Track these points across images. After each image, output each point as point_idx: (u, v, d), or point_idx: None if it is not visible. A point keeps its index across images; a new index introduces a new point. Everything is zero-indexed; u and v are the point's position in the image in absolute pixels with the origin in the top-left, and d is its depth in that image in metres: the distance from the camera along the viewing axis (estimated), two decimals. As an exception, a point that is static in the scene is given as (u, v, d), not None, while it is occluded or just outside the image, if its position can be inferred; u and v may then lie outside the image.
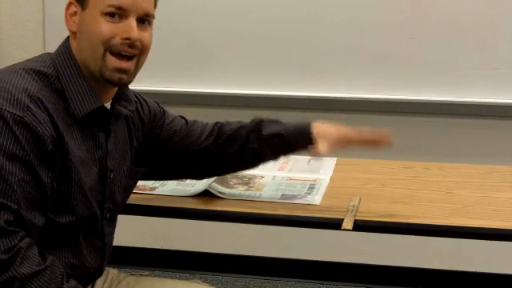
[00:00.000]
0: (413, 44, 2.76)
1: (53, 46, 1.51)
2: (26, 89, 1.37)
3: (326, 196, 1.84)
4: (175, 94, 2.92)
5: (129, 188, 1.64)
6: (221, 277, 3.12)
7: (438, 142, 2.86)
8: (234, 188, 1.89)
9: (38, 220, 1.37)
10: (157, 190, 1.87)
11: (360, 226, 1.66)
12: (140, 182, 1.83)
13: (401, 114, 2.85)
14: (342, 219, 1.66)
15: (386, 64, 2.79)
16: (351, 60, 2.81)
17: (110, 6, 1.41)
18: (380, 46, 2.79)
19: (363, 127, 1.71)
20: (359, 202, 1.77)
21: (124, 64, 1.44)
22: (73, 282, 1.41)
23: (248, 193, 1.85)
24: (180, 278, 3.00)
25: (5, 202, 1.31)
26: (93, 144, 1.48)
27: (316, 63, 2.84)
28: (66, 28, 1.48)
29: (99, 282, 1.66)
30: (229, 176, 1.94)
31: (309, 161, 2.16)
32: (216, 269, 3.16)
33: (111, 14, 1.42)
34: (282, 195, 1.84)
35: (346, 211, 1.70)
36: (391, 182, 1.97)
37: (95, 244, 1.54)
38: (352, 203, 1.76)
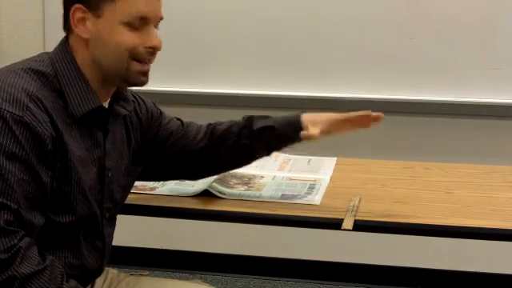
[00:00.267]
0: (413, 44, 2.76)
1: (53, 46, 1.51)
2: (25, 88, 1.37)
3: (326, 196, 1.84)
4: (175, 94, 2.92)
5: (127, 187, 1.64)
6: (221, 277, 3.12)
7: (438, 141, 2.86)
8: (234, 188, 1.89)
9: (38, 220, 1.37)
10: (157, 189, 1.87)
11: (360, 226, 1.66)
12: (140, 182, 1.84)
13: (401, 113, 2.85)
14: (342, 219, 1.66)
15: (385, 64, 2.79)
16: (351, 60, 2.81)
17: (132, 16, 1.42)
18: (380, 46, 2.79)
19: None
20: (359, 202, 1.77)
21: (146, 67, 1.48)
22: (72, 282, 1.41)
23: (248, 193, 1.85)
24: (180, 278, 3.00)
25: (4, 201, 1.31)
26: (91, 143, 1.48)
27: (316, 63, 2.84)
28: (66, 28, 1.48)
29: (99, 281, 1.66)
30: (229, 176, 1.94)
31: (309, 161, 2.16)
32: (216, 269, 3.16)
33: (132, 24, 1.43)
34: (282, 195, 1.84)
35: (346, 211, 1.70)
36: (391, 182, 1.97)
37: (95, 244, 1.54)
38: (352, 203, 1.76)
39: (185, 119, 1.79)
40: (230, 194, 1.84)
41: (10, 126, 1.33)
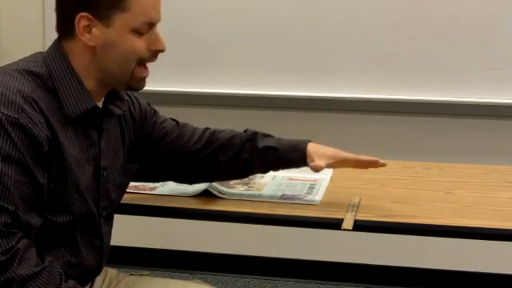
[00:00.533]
0: (413, 44, 2.76)
1: (53, 46, 1.51)
2: (20, 90, 1.37)
3: (325, 196, 1.84)
4: (175, 94, 2.92)
5: (123, 186, 1.63)
6: (221, 277, 3.12)
7: (438, 141, 2.86)
8: (234, 188, 1.89)
9: (36, 221, 1.37)
10: (157, 189, 1.87)
11: (360, 226, 1.66)
12: (140, 182, 1.84)
13: (401, 113, 2.86)
14: (342, 219, 1.66)
15: (385, 64, 2.79)
16: (351, 60, 2.81)
17: (142, 23, 1.44)
18: (380, 45, 2.79)
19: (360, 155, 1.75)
20: (359, 201, 1.77)
21: (147, 73, 1.51)
22: (71, 282, 1.41)
23: (248, 193, 1.85)
24: (180, 278, 3.00)
25: (1, 203, 1.31)
26: (86, 143, 1.48)
27: (316, 63, 2.84)
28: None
29: (98, 281, 1.66)
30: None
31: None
32: (216, 269, 3.16)
33: (140, 30, 1.44)
34: (282, 195, 1.84)
35: (346, 211, 1.70)
36: (391, 182, 1.97)
37: (93, 243, 1.54)
38: (352, 203, 1.76)
39: (183, 120, 1.79)
40: (230, 194, 1.84)
41: (5, 128, 1.33)
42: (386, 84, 2.81)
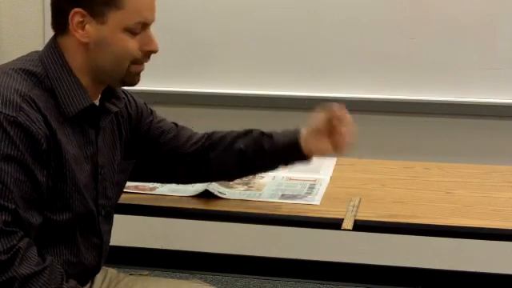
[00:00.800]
0: (413, 44, 2.76)
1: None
2: (18, 89, 1.38)
3: (325, 196, 1.84)
4: (175, 94, 2.92)
5: (120, 183, 1.63)
6: (221, 277, 3.12)
7: (438, 141, 2.86)
8: (234, 188, 1.89)
9: (36, 219, 1.37)
10: (157, 190, 1.87)
11: (360, 226, 1.66)
12: (140, 182, 1.84)
13: (401, 113, 2.86)
14: (342, 219, 1.66)
15: (385, 64, 2.79)
16: (351, 60, 2.81)
17: (136, 23, 1.44)
18: (380, 45, 2.79)
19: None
20: (359, 202, 1.77)
21: (143, 67, 1.50)
22: (72, 282, 1.41)
23: (248, 193, 1.85)
24: (180, 278, 3.00)
25: (2, 202, 1.31)
26: (84, 141, 1.48)
27: (316, 63, 2.84)
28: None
29: (98, 281, 1.66)
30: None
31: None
32: (216, 269, 3.16)
33: (134, 30, 1.44)
34: (282, 195, 1.84)
35: (346, 211, 1.70)
36: (391, 182, 1.97)
37: (92, 241, 1.54)
38: (352, 203, 1.76)
39: (183, 120, 1.78)
40: (230, 194, 1.84)
41: (4, 127, 1.33)
42: (386, 84, 2.81)
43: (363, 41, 2.79)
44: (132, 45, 1.45)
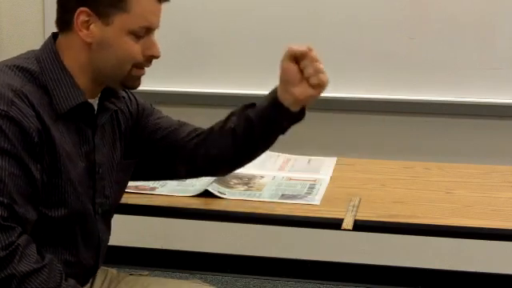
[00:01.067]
0: (413, 44, 2.76)
1: (53, 46, 1.51)
2: (10, 84, 1.38)
3: (325, 196, 1.84)
4: (175, 94, 2.92)
5: (120, 183, 1.62)
6: (221, 277, 3.12)
7: (438, 141, 2.86)
8: (234, 188, 1.89)
9: (31, 214, 1.37)
10: (157, 190, 1.87)
11: (360, 226, 1.66)
12: (140, 182, 1.83)
13: (401, 113, 2.86)
14: (342, 219, 1.66)
15: (386, 64, 2.79)
16: (351, 60, 2.81)
17: (141, 27, 1.44)
18: (380, 45, 2.79)
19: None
20: (359, 202, 1.77)
21: (144, 71, 1.51)
22: (71, 281, 1.41)
23: (248, 193, 1.85)
24: (180, 278, 3.00)
25: None
26: (79, 139, 1.48)
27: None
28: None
29: (98, 281, 1.66)
30: (229, 176, 1.93)
31: (309, 161, 2.17)
32: (216, 269, 3.16)
33: (138, 33, 1.45)
34: (282, 195, 1.84)
35: (346, 211, 1.70)
36: (391, 182, 1.97)
37: (90, 240, 1.54)
38: (352, 203, 1.75)
39: (184, 120, 1.77)
40: (230, 194, 1.84)
41: None
42: (386, 84, 2.81)
43: (363, 40, 2.79)
44: (135, 48, 1.45)
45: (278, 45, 2.98)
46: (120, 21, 1.43)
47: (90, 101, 1.50)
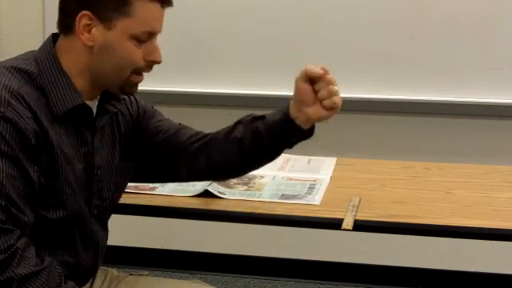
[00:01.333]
0: (413, 44, 2.76)
1: (53, 46, 1.51)
2: (6, 85, 1.38)
3: (325, 196, 1.84)
4: (175, 94, 2.92)
5: (119, 185, 1.62)
6: (221, 277, 3.12)
7: (438, 141, 2.86)
8: (234, 188, 1.89)
9: (29, 216, 1.36)
10: (157, 190, 1.87)
11: (360, 226, 1.66)
12: (142, 183, 1.83)
13: (401, 113, 2.85)
14: (342, 219, 1.66)
15: (385, 64, 2.79)
16: (351, 60, 2.81)
17: (143, 32, 1.43)
18: (380, 45, 2.79)
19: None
20: (359, 202, 1.77)
21: (142, 78, 1.50)
22: (70, 283, 1.41)
23: (248, 193, 1.85)
24: (180, 278, 3.00)
25: None
26: (77, 141, 1.48)
27: (316, 63, 2.82)
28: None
29: (98, 281, 1.66)
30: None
31: (309, 161, 2.17)
32: (216, 269, 3.16)
33: (140, 38, 1.44)
34: (282, 195, 1.84)
35: (346, 211, 1.70)
36: (391, 182, 1.97)
37: (89, 241, 1.54)
38: (352, 203, 1.76)
39: (183, 119, 1.77)
40: (230, 194, 1.84)
41: None
42: (386, 84, 2.81)
43: (363, 41, 2.79)
44: (136, 53, 1.45)
45: (278, 45, 3.01)
46: (122, 25, 1.42)
47: (90, 103, 1.49)
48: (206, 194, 1.82)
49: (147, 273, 1.79)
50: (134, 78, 1.48)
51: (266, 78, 2.89)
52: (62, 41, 1.47)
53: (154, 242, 3.20)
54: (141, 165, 1.68)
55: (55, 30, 1.50)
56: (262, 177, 1.97)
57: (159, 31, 1.48)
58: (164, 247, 3.21)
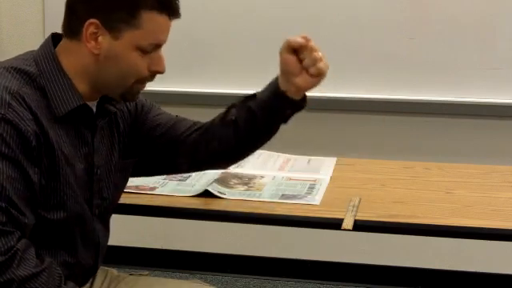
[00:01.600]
0: (413, 44, 2.76)
1: (53, 46, 1.51)
2: (7, 86, 1.37)
3: (325, 196, 1.84)
4: (175, 94, 2.92)
5: (118, 183, 1.62)
6: (221, 277, 3.12)
7: (438, 141, 2.86)
8: (234, 188, 1.89)
9: (29, 218, 1.36)
10: (157, 190, 1.87)
11: (360, 226, 1.66)
12: (140, 182, 1.83)
13: (401, 113, 2.86)
14: (342, 219, 1.66)
15: (385, 64, 2.79)
16: (351, 60, 2.81)
17: (150, 43, 1.44)
18: (380, 45, 2.79)
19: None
20: (359, 202, 1.77)
21: (144, 86, 1.51)
22: (70, 284, 1.41)
23: (248, 193, 1.85)
24: (180, 278, 3.00)
25: None
26: (78, 141, 1.48)
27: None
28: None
29: (98, 281, 1.66)
30: (229, 176, 1.94)
31: (309, 161, 2.17)
32: (216, 269, 3.16)
33: (146, 49, 1.44)
34: (282, 195, 1.84)
35: (346, 211, 1.70)
36: (391, 182, 1.97)
37: (89, 241, 1.54)
38: (352, 203, 1.76)
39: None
40: (230, 194, 1.84)
41: None
42: (386, 84, 2.81)
43: (363, 41, 2.79)
44: (141, 63, 1.45)
45: (278, 46, 2.98)
46: (130, 36, 1.41)
47: (90, 103, 1.49)
48: (206, 193, 1.82)
49: (147, 273, 1.79)
50: (137, 86, 1.48)
51: (265, 78, 2.87)
52: (65, 43, 1.47)
53: (154, 242, 3.21)
54: (141, 159, 1.68)
55: (55, 30, 1.49)
56: (262, 177, 1.97)
57: (165, 42, 1.48)
58: (164, 247, 3.21)
